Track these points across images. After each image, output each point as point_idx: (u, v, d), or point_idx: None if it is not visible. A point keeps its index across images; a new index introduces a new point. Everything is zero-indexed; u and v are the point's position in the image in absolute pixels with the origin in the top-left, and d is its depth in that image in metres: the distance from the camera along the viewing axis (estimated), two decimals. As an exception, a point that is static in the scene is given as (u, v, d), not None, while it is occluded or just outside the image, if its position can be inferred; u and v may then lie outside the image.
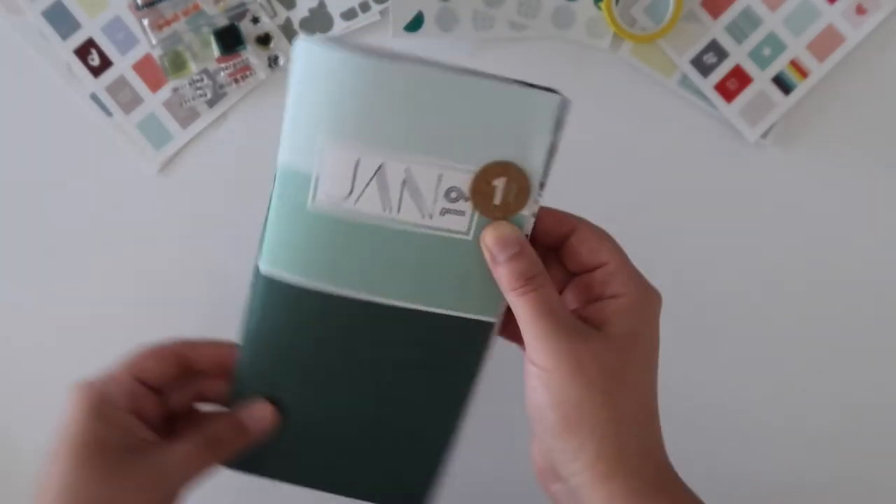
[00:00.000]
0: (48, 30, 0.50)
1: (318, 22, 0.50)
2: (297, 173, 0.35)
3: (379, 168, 0.35)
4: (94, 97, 0.50)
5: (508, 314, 0.36)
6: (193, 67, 0.50)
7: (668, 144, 0.51)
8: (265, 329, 0.38)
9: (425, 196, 0.35)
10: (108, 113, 0.51)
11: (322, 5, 0.50)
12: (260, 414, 0.38)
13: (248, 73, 0.50)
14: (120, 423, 0.36)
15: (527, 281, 0.34)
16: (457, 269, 0.36)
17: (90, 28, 0.50)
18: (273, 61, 0.50)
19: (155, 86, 0.50)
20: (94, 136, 0.51)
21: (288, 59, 0.50)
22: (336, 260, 0.36)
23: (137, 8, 0.49)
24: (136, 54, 0.50)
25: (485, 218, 0.36)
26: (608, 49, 0.50)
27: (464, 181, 0.35)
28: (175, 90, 0.50)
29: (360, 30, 0.50)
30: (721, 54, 0.50)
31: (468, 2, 0.49)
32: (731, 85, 0.50)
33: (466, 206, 0.35)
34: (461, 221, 0.36)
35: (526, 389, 0.35)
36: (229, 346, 0.39)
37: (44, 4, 0.49)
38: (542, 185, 0.36)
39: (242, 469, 0.40)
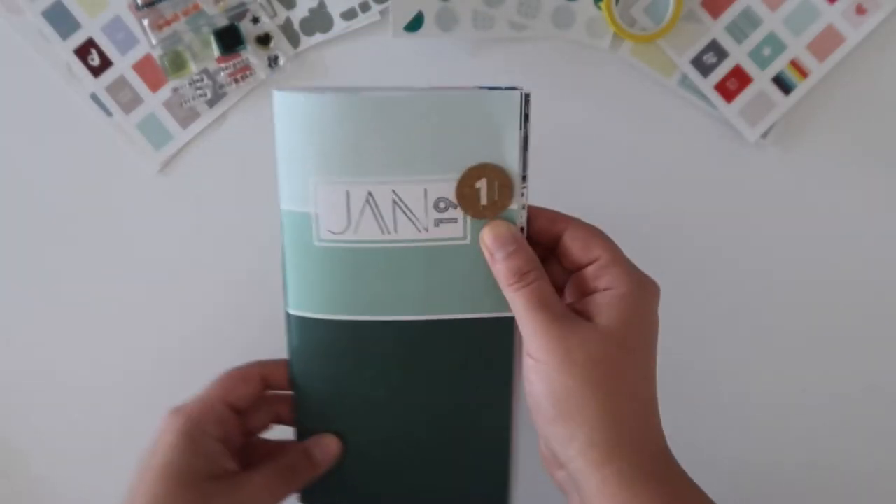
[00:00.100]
0: (48, 30, 0.50)
1: (318, 22, 0.50)
2: (298, 215, 0.38)
3: (368, 195, 0.37)
4: (94, 97, 0.50)
5: None
6: (193, 67, 0.50)
7: (668, 144, 0.51)
8: (307, 366, 0.41)
9: (416, 212, 0.38)
10: (108, 113, 0.51)
11: (322, 5, 0.50)
12: (325, 443, 0.40)
13: (248, 73, 0.50)
14: (208, 451, 0.38)
15: (521, 276, 0.36)
16: (464, 274, 0.38)
17: (90, 28, 0.50)
18: (273, 61, 0.50)
19: (155, 86, 0.50)
20: (94, 136, 0.51)
21: (287, 59, 0.50)
22: (351, 288, 0.39)
23: (137, 8, 0.49)
24: (136, 54, 0.50)
25: (478, 220, 0.38)
26: (608, 49, 0.50)
27: (448, 190, 0.37)
28: (175, 90, 0.50)
29: (360, 30, 0.50)
30: (721, 54, 0.50)
31: (468, 2, 0.49)
32: (731, 85, 0.50)
33: (457, 213, 0.38)
34: (456, 228, 0.38)
35: (524, 381, 0.36)
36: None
37: (44, 4, 0.49)
38: (523, 178, 0.38)
39: (316, 502, 0.42)
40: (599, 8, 0.50)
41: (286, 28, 0.50)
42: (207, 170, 0.52)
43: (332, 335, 0.40)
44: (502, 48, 0.51)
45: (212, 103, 0.51)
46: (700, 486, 0.35)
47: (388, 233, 0.38)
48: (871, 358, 0.53)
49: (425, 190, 0.37)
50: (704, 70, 0.50)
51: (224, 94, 0.51)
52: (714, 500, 0.35)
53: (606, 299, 0.36)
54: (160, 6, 0.49)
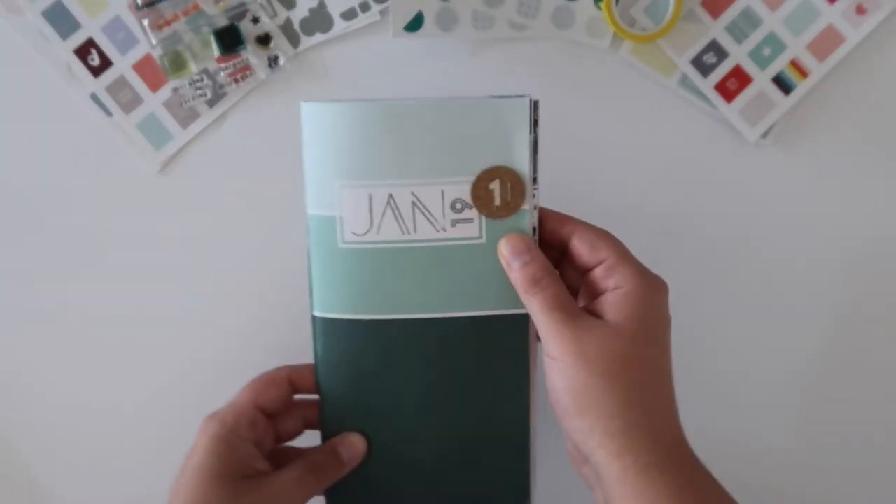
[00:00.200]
0: (48, 30, 0.50)
1: (318, 22, 0.50)
2: (324, 218, 0.41)
3: (389, 197, 0.40)
4: (94, 97, 0.50)
5: None
6: (193, 67, 0.50)
7: (668, 144, 0.51)
8: (332, 367, 0.43)
9: (434, 213, 0.40)
10: (108, 113, 0.51)
11: (322, 5, 0.50)
12: (350, 441, 0.42)
13: (248, 73, 0.50)
14: (240, 453, 0.40)
15: (536, 283, 0.38)
16: (480, 272, 0.41)
17: (90, 28, 0.50)
18: (273, 61, 0.50)
19: (155, 86, 0.50)
20: (94, 136, 0.51)
21: (287, 59, 0.50)
22: (374, 287, 0.41)
23: (137, 8, 0.49)
24: (136, 54, 0.50)
25: (493, 220, 0.40)
26: (608, 49, 0.50)
27: (464, 192, 0.40)
28: (175, 90, 0.50)
29: (360, 30, 0.50)
30: (721, 54, 0.50)
31: (468, 2, 0.49)
32: (731, 85, 0.50)
33: (473, 214, 0.40)
34: (472, 228, 0.40)
35: (545, 380, 0.38)
36: None
37: (44, 4, 0.49)
38: (534, 180, 0.40)
39: None
40: (599, 8, 0.50)
41: (286, 28, 0.50)
42: (207, 170, 0.52)
43: (355, 335, 0.42)
44: (502, 48, 0.51)
45: (212, 103, 0.51)
46: (715, 477, 0.37)
47: (408, 233, 0.40)
48: (872, 358, 0.53)
49: (442, 191, 0.40)
50: (704, 70, 0.50)
51: (224, 94, 0.51)
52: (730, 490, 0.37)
53: (615, 298, 0.38)
54: (160, 6, 0.49)
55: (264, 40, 0.50)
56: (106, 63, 0.50)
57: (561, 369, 0.37)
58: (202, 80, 0.50)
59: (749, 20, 0.50)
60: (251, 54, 0.50)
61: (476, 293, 0.41)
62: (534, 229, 0.41)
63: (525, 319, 0.41)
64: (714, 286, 0.52)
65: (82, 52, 0.50)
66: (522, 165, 0.40)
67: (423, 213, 0.40)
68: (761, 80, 0.50)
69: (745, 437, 0.53)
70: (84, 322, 0.52)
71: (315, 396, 0.43)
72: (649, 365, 0.37)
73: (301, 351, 0.52)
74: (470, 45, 0.51)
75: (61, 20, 0.50)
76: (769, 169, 0.51)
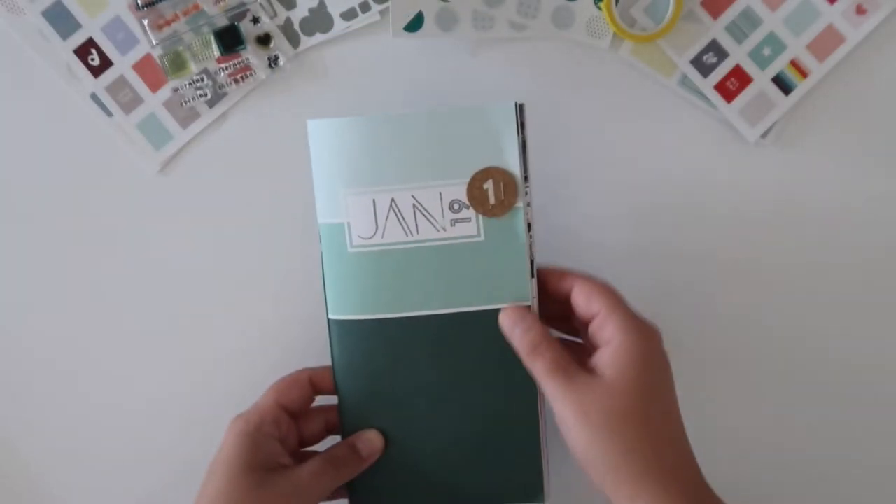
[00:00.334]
0: (48, 30, 0.50)
1: (318, 22, 0.50)
2: (333, 226, 0.44)
3: (392, 202, 0.43)
4: (94, 97, 0.50)
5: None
6: (193, 67, 0.50)
7: (668, 144, 0.51)
8: (348, 367, 0.45)
9: (434, 214, 0.43)
10: (108, 113, 0.51)
11: (322, 5, 0.50)
12: (368, 437, 0.45)
13: (248, 73, 0.50)
14: (266, 448, 0.43)
15: (534, 349, 0.41)
16: (480, 268, 0.43)
17: (90, 28, 0.50)
18: (273, 61, 0.50)
19: (155, 86, 0.50)
20: (94, 136, 0.51)
21: (287, 59, 0.50)
22: (383, 288, 0.44)
23: (137, 8, 0.49)
24: (136, 54, 0.50)
25: (489, 218, 0.43)
26: (608, 49, 0.50)
27: (461, 193, 0.43)
28: (175, 90, 0.50)
29: (360, 30, 0.50)
30: (721, 54, 0.50)
31: (468, 2, 0.49)
32: (731, 85, 0.50)
33: (470, 213, 0.43)
34: (470, 227, 0.43)
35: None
36: None
37: (44, 4, 0.49)
38: (525, 178, 0.43)
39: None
40: (599, 8, 0.50)
41: (286, 28, 0.50)
42: (207, 170, 0.52)
43: (368, 334, 0.44)
44: (502, 48, 0.51)
45: (212, 103, 0.51)
46: None
47: (411, 234, 0.43)
48: (872, 357, 0.53)
49: (440, 193, 0.43)
50: (704, 70, 0.50)
51: (224, 94, 0.51)
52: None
53: (608, 353, 0.40)
54: (160, 6, 0.49)
55: (264, 40, 0.50)
56: (106, 63, 0.50)
57: (566, 428, 0.40)
58: (202, 80, 0.50)
59: (749, 20, 0.50)
60: (251, 54, 0.50)
61: (478, 288, 0.43)
62: (528, 225, 0.43)
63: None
64: (714, 286, 0.52)
65: (82, 52, 0.50)
66: (513, 165, 0.43)
67: (423, 215, 0.43)
68: (761, 80, 0.50)
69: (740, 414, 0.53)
70: (84, 322, 0.52)
71: (335, 400, 0.46)
72: (650, 413, 0.39)
73: (300, 349, 0.52)
74: (470, 45, 0.51)
75: (61, 20, 0.50)
76: (769, 169, 0.51)
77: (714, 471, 0.40)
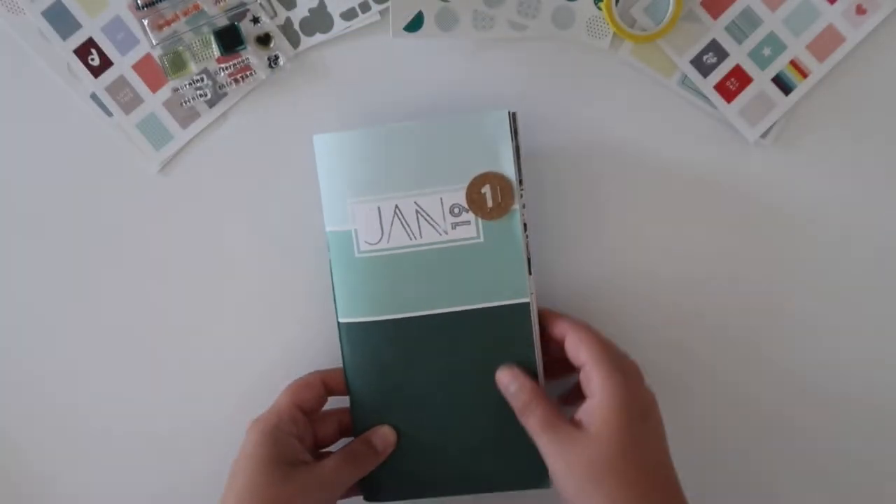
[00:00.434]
0: (48, 30, 0.50)
1: (318, 22, 0.50)
2: (341, 233, 0.46)
3: (395, 208, 0.46)
4: (94, 97, 0.50)
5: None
6: (193, 67, 0.50)
7: (668, 144, 0.51)
8: (358, 367, 0.47)
9: (436, 218, 0.46)
10: (108, 113, 0.51)
11: (322, 5, 0.50)
12: (382, 433, 0.47)
13: (248, 73, 0.50)
14: (286, 444, 0.45)
15: (525, 407, 0.44)
16: (480, 268, 0.46)
17: (90, 28, 0.50)
18: (273, 61, 0.50)
19: (155, 86, 0.50)
20: (94, 136, 0.51)
21: (287, 59, 0.50)
22: (389, 290, 0.46)
23: (137, 8, 0.49)
24: (136, 54, 0.50)
25: (488, 221, 0.46)
26: (608, 49, 0.50)
27: (460, 197, 0.46)
28: (175, 90, 0.50)
29: (360, 30, 0.50)
30: (721, 54, 0.50)
31: (468, 2, 0.49)
32: (731, 85, 0.50)
33: (470, 216, 0.46)
34: (470, 229, 0.46)
35: None
36: None
37: (44, 4, 0.49)
38: (520, 182, 0.46)
39: (380, 499, 0.48)
40: (599, 8, 0.50)
41: (286, 28, 0.50)
42: (207, 170, 0.52)
43: (376, 335, 0.46)
44: (502, 48, 0.51)
45: (212, 103, 0.51)
46: None
47: (415, 238, 0.46)
48: (872, 356, 0.53)
49: (441, 199, 0.46)
50: (704, 70, 0.50)
51: (224, 95, 0.51)
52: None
53: (593, 406, 0.42)
54: (160, 6, 0.49)
55: (264, 40, 0.50)
56: (106, 63, 0.50)
57: (555, 480, 0.43)
58: (202, 80, 0.50)
59: (749, 20, 0.50)
60: (251, 54, 0.50)
61: (479, 287, 0.46)
62: (524, 226, 0.46)
63: (526, 308, 0.46)
64: (713, 286, 0.52)
65: (82, 52, 0.50)
66: (509, 170, 0.45)
67: (426, 220, 0.46)
68: (761, 80, 0.50)
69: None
70: (83, 321, 0.52)
71: (347, 403, 0.48)
72: (633, 462, 0.41)
73: (300, 348, 0.52)
74: (470, 45, 0.51)
75: (61, 20, 0.50)
76: (769, 169, 0.51)
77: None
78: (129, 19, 0.50)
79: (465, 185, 0.45)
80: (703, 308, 0.52)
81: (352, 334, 0.47)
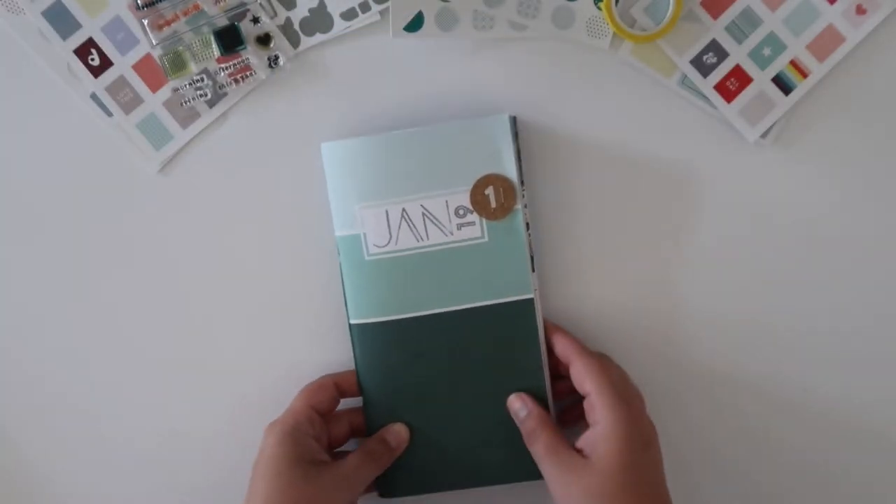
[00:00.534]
0: (48, 30, 0.50)
1: (318, 22, 0.50)
2: (350, 237, 0.48)
3: (403, 212, 0.47)
4: (94, 97, 0.50)
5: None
6: (193, 67, 0.50)
7: (668, 144, 0.51)
8: (370, 367, 0.49)
9: (442, 220, 0.47)
10: (108, 113, 0.51)
11: (322, 5, 0.50)
12: (395, 430, 0.48)
13: (248, 73, 0.50)
14: (306, 445, 0.46)
15: (531, 433, 0.46)
16: (485, 267, 0.47)
17: (90, 28, 0.50)
18: (273, 61, 0.50)
19: (155, 86, 0.50)
20: (94, 136, 0.51)
21: (287, 59, 0.50)
22: (398, 290, 0.48)
23: (137, 8, 0.49)
24: (136, 54, 0.50)
25: (492, 221, 0.47)
26: (608, 49, 0.50)
27: (465, 199, 0.47)
28: (175, 90, 0.50)
29: (360, 30, 0.50)
30: (721, 54, 0.50)
31: (468, 2, 0.49)
32: (731, 85, 0.50)
33: (474, 217, 0.47)
34: (475, 230, 0.47)
35: None
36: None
37: (44, 4, 0.49)
38: (522, 183, 0.48)
39: (395, 494, 0.49)
40: (599, 8, 0.50)
41: (286, 28, 0.50)
42: (207, 170, 0.52)
43: (386, 335, 0.48)
44: (502, 48, 0.51)
45: (212, 103, 0.51)
46: None
47: (422, 240, 0.47)
48: (871, 358, 0.53)
49: (446, 201, 0.47)
50: (704, 70, 0.50)
51: (224, 95, 0.51)
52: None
53: (594, 435, 0.44)
54: (160, 6, 0.49)
55: (264, 40, 0.50)
56: (106, 63, 0.50)
57: (557, 502, 0.44)
58: (202, 80, 0.50)
59: (749, 20, 0.50)
60: (251, 54, 0.50)
61: (484, 285, 0.47)
62: (527, 225, 0.48)
63: (530, 304, 0.48)
64: (713, 286, 0.52)
65: (82, 52, 0.50)
66: (511, 172, 0.47)
67: (432, 222, 0.47)
68: (761, 80, 0.50)
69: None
70: (83, 321, 0.52)
71: (358, 404, 0.50)
72: (632, 491, 0.42)
73: (300, 348, 0.52)
74: (470, 45, 0.51)
75: (61, 20, 0.50)
76: (769, 169, 0.51)
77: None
78: (129, 19, 0.50)
79: (470, 187, 0.47)
80: (700, 305, 0.52)
81: (363, 335, 0.48)
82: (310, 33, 0.50)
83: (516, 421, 0.47)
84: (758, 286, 0.52)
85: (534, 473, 0.46)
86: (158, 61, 0.50)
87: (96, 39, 0.50)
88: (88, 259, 0.52)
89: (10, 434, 0.53)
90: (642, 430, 0.44)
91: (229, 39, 0.50)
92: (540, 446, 0.45)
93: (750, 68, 0.50)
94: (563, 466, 0.44)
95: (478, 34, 0.50)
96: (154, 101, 0.51)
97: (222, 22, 0.50)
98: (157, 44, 0.50)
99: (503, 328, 0.48)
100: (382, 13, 0.50)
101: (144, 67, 0.50)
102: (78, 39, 0.50)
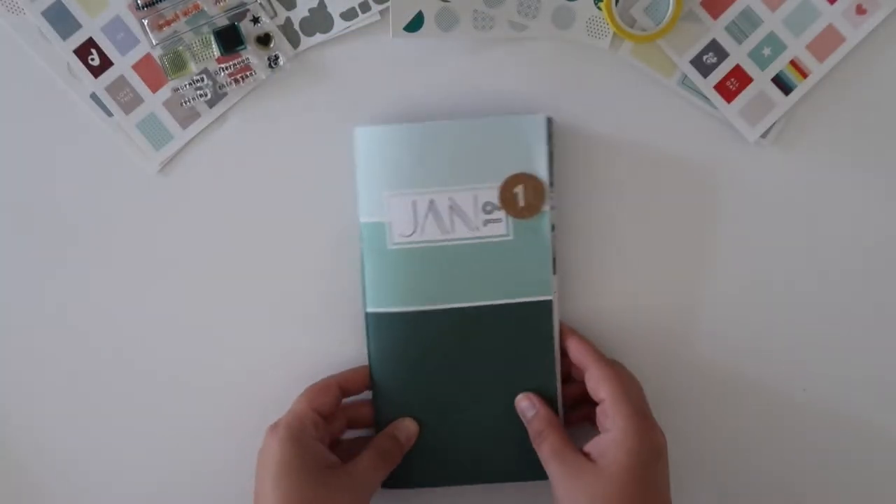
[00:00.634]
0: (48, 30, 0.50)
1: (318, 22, 0.50)
2: (375, 224, 0.48)
3: (430, 203, 0.47)
4: (94, 97, 0.50)
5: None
6: (193, 67, 0.50)
7: (668, 144, 0.51)
8: (382, 358, 0.49)
9: (469, 214, 0.47)
10: (108, 113, 0.51)
11: (322, 5, 0.50)
12: (404, 426, 0.48)
13: (248, 73, 0.50)
14: (313, 449, 0.45)
15: (539, 434, 0.46)
16: (508, 265, 0.47)
17: (90, 28, 0.50)
18: (273, 61, 0.50)
19: (155, 86, 0.50)
20: (94, 136, 0.51)
21: (287, 59, 0.50)
22: (419, 282, 0.48)
23: (137, 8, 0.49)
24: (136, 54, 0.50)
25: (518, 220, 0.47)
26: (608, 49, 0.50)
27: (493, 195, 0.47)
28: (175, 90, 0.50)
29: (360, 30, 0.50)
30: (721, 54, 0.50)
31: (468, 2, 0.49)
32: (731, 85, 0.50)
33: (501, 215, 0.47)
34: (500, 227, 0.47)
35: None
36: (363, 368, 0.50)
37: (44, 4, 0.49)
38: (552, 185, 0.48)
39: (398, 485, 0.49)
40: (599, 8, 0.50)
41: (286, 28, 0.50)
42: (207, 170, 0.52)
43: (403, 326, 0.48)
44: (502, 48, 0.51)
45: (212, 103, 0.51)
46: None
47: (447, 233, 0.47)
48: (871, 357, 0.53)
49: (475, 196, 0.47)
50: (704, 70, 0.50)
51: (224, 95, 0.51)
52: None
53: (604, 441, 0.44)
54: (160, 6, 0.49)
55: (264, 40, 0.50)
56: (106, 63, 0.50)
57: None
58: (202, 80, 0.50)
59: (749, 20, 0.50)
60: (251, 54, 0.50)
61: (505, 283, 0.47)
62: (552, 227, 0.48)
63: (548, 305, 0.48)
64: (713, 286, 0.52)
65: (82, 52, 0.50)
66: (542, 172, 0.47)
67: (459, 215, 0.47)
68: (761, 80, 0.50)
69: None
70: (82, 321, 0.52)
71: (355, 399, 0.49)
72: (635, 499, 0.42)
73: (301, 348, 0.52)
74: (470, 45, 0.51)
75: (61, 20, 0.50)
76: (769, 169, 0.51)
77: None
78: (129, 19, 0.50)
79: (499, 184, 0.47)
80: (701, 304, 0.52)
81: (379, 325, 0.48)
82: (310, 33, 0.50)
83: (524, 421, 0.48)
84: (757, 285, 0.52)
85: (540, 473, 0.46)
86: (158, 61, 0.50)
87: (96, 39, 0.50)
88: (88, 259, 0.52)
89: (11, 434, 0.53)
90: (653, 442, 0.44)
91: (229, 39, 0.50)
92: (546, 447, 0.45)
93: (750, 68, 0.50)
94: (568, 469, 0.44)
95: (478, 34, 0.50)
96: (154, 101, 0.51)
97: (222, 22, 0.50)
98: (157, 44, 0.50)
99: (519, 328, 0.48)
100: (382, 13, 0.50)
101: (144, 67, 0.50)
102: (78, 39, 0.50)
